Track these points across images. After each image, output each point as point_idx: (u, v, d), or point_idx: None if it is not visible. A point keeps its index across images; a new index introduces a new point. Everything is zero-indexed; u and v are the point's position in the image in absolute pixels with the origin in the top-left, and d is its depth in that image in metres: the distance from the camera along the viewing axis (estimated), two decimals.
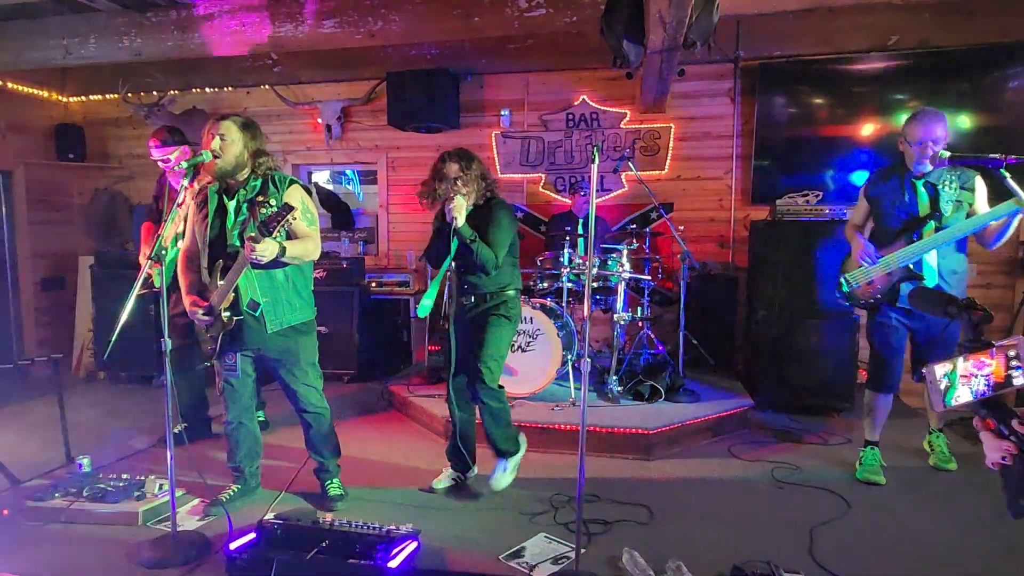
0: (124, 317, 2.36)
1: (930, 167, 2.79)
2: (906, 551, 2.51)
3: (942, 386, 1.12)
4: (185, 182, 2.43)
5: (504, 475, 2.97)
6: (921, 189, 2.84)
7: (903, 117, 4.81)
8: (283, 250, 2.49)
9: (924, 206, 2.83)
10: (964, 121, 4.63)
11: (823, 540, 2.56)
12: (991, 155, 2.09)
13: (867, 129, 4.79)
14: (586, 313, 2.14)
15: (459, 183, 2.84)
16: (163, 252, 2.30)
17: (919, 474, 3.23)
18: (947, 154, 2.11)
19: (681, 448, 3.61)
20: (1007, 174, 2.02)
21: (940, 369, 1.12)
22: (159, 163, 3.47)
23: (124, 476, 2.91)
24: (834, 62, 4.80)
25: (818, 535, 2.59)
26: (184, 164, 2.42)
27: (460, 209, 2.75)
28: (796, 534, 2.61)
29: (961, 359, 1.10)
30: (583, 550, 2.34)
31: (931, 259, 2.83)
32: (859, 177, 4.80)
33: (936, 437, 3.35)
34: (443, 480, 3.09)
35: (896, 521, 2.73)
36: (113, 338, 2.28)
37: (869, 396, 3.21)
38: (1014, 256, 4.61)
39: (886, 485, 3.07)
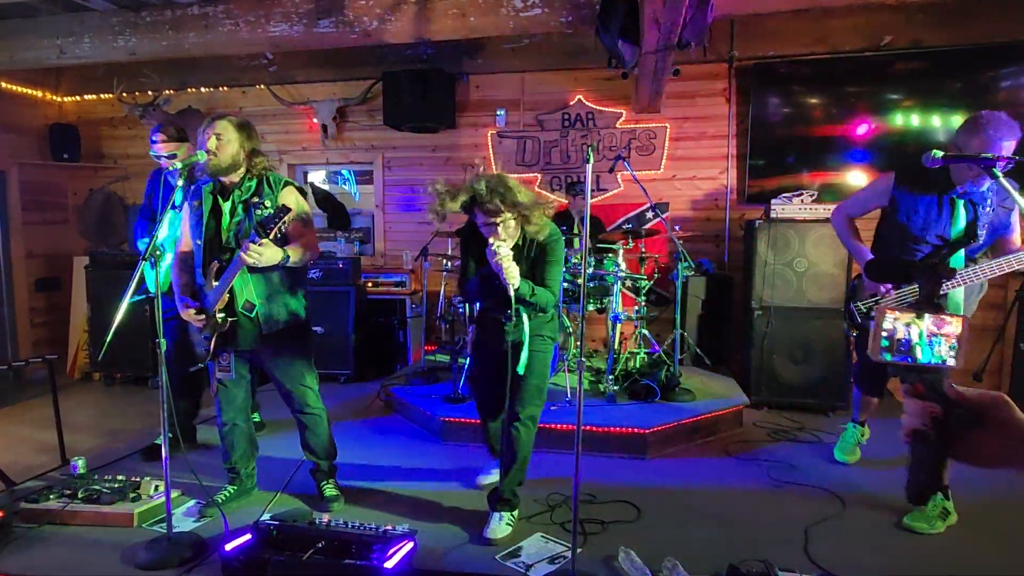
0: (119, 318, 2.35)
1: (985, 186, 2.43)
2: (901, 548, 2.52)
3: (887, 334, 1.11)
4: (181, 182, 2.42)
5: (501, 525, 2.62)
6: (960, 210, 2.51)
7: (897, 117, 4.95)
8: (287, 257, 2.51)
9: (959, 231, 2.53)
10: (957, 121, 4.64)
11: (819, 538, 2.57)
12: (983, 155, 2.09)
13: (861, 129, 4.80)
14: (582, 312, 2.14)
15: (500, 229, 2.41)
16: (158, 252, 2.29)
17: None
18: (940, 153, 2.10)
19: (677, 447, 3.62)
20: (1000, 174, 2.03)
21: (894, 318, 1.09)
22: (164, 160, 3.29)
23: (119, 477, 2.90)
24: (828, 62, 4.81)
25: (813, 534, 2.60)
26: (179, 164, 2.41)
27: (513, 275, 2.34)
28: (792, 533, 2.62)
29: (927, 316, 1.08)
30: (579, 550, 2.35)
31: (957, 292, 2.57)
32: (854, 177, 4.81)
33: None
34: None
35: (891, 518, 2.74)
36: (108, 338, 2.27)
37: (855, 389, 3.30)
38: None
39: (881, 482, 3.09)
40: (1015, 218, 2.54)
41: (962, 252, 2.54)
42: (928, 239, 2.59)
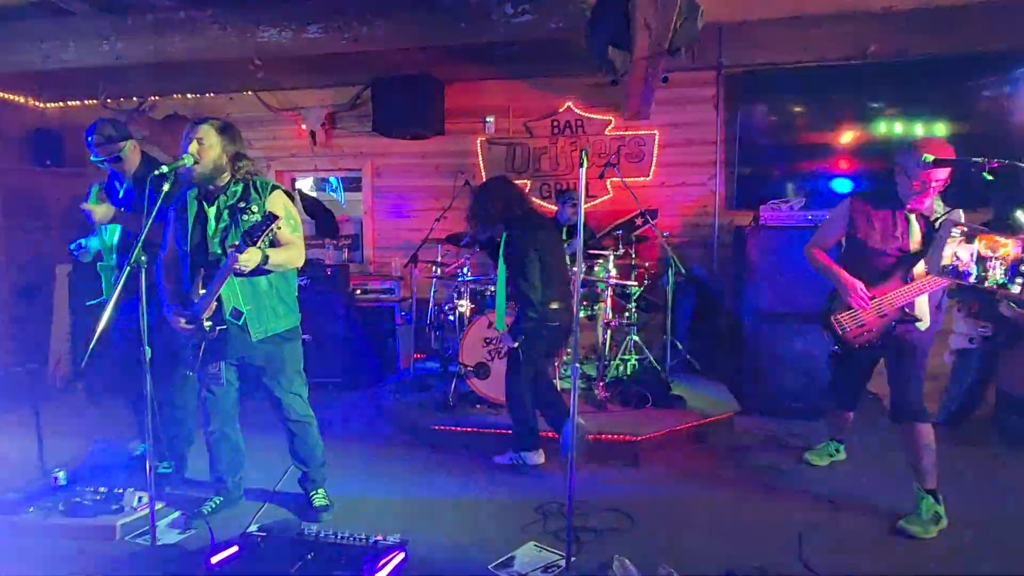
0: (103, 324, 2.29)
1: (927, 204, 2.58)
2: (896, 552, 2.52)
3: (949, 255, 1.10)
4: (166, 187, 2.37)
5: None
6: (914, 223, 2.64)
7: (882, 125, 5.01)
8: (266, 258, 2.46)
9: (916, 242, 2.63)
10: (940, 129, 4.71)
11: (813, 544, 2.55)
12: (974, 159, 2.11)
13: (847, 137, 4.85)
14: (575, 318, 2.12)
15: None
16: (143, 258, 2.24)
17: (904, 475, 3.24)
18: (931, 158, 2.12)
19: (669, 454, 3.60)
20: (990, 177, 2.05)
21: (957, 241, 1.09)
22: (106, 164, 3.10)
23: (102, 489, 2.83)
24: (814, 70, 4.86)
25: (808, 539, 2.59)
26: (165, 168, 2.37)
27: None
28: (786, 539, 2.60)
29: (983, 239, 1.08)
30: (573, 558, 2.32)
31: (923, 300, 2.66)
32: (840, 184, 4.85)
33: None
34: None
35: (885, 522, 2.73)
36: (91, 346, 2.22)
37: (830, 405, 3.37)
38: None
39: (872, 488, 3.09)
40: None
41: (927, 308, 2.64)
42: (888, 251, 2.69)
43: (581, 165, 1.91)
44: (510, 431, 3.42)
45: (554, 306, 3.18)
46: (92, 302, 3.30)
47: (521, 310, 3.17)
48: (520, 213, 3.27)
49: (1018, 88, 4.52)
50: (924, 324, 2.65)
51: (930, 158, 2.11)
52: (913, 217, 2.66)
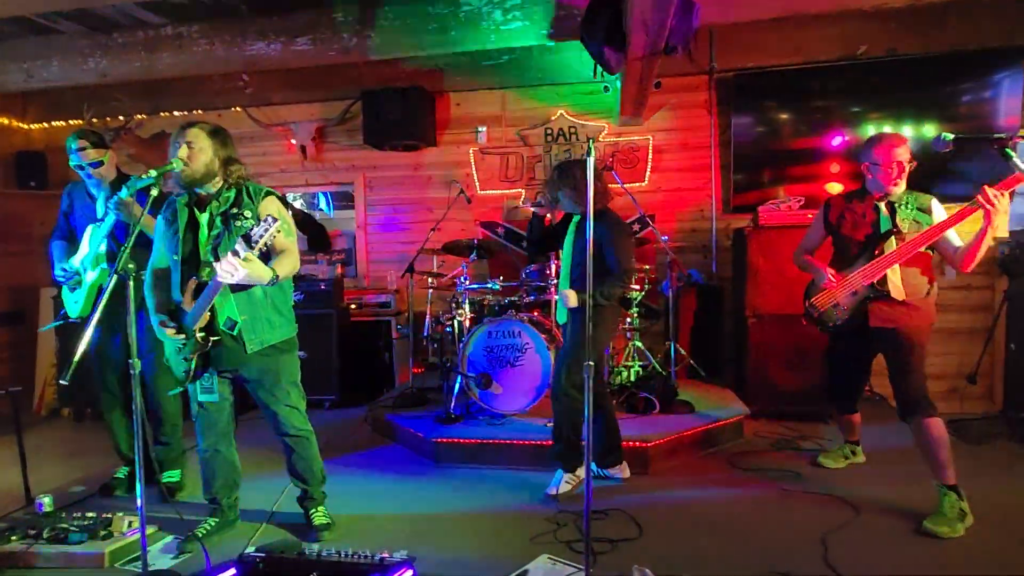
0: (84, 342, 2.17)
1: (893, 190, 2.75)
2: (923, 552, 2.43)
3: None
4: (155, 192, 2.28)
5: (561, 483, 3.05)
6: (883, 209, 2.79)
7: (870, 128, 5.01)
8: (276, 277, 2.35)
9: (886, 223, 2.78)
10: (930, 130, 4.70)
11: (837, 546, 2.46)
12: (996, 135, 2.07)
13: (837, 140, 4.84)
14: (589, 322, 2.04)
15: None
16: (129, 268, 2.14)
17: (924, 471, 3.16)
18: (951, 136, 2.10)
19: (680, 460, 3.50)
20: (1013, 153, 2.01)
21: None
22: (90, 169, 3.08)
23: (89, 515, 2.69)
24: (806, 72, 4.86)
25: (831, 541, 2.50)
26: (153, 173, 2.27)
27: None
28: (808, 541, 2.51)
29: None
30: (591, 570, 2.20)
31: (894, 274, 2.75)
32: (833, 187, 4.81)
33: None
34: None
35: (907, 523, 2.65)
36: (75, 359, 2.10)
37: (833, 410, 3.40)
38: (992, 256, 4.66)
39: (891, 487, 3.01)
40: (937, 218, 2.71)
41: (899, 283, 2.74)
42: (857, 237, 2.86)
43: (588, 154, 1.84)
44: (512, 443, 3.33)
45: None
46: (53, 324, 3.22)
47: (604, 281, 2.93)
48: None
49: (1000, 90, 4.55)
50: (899, 295, 2.73)
51: (949, 136, 2.08)
52: (882, 205, 2.80)
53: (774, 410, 4.22)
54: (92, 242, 3.08)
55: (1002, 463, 3.42)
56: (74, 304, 3.17)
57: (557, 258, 3.99)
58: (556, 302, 3.52)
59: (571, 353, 3.02)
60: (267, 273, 2.31)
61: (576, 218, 3.19)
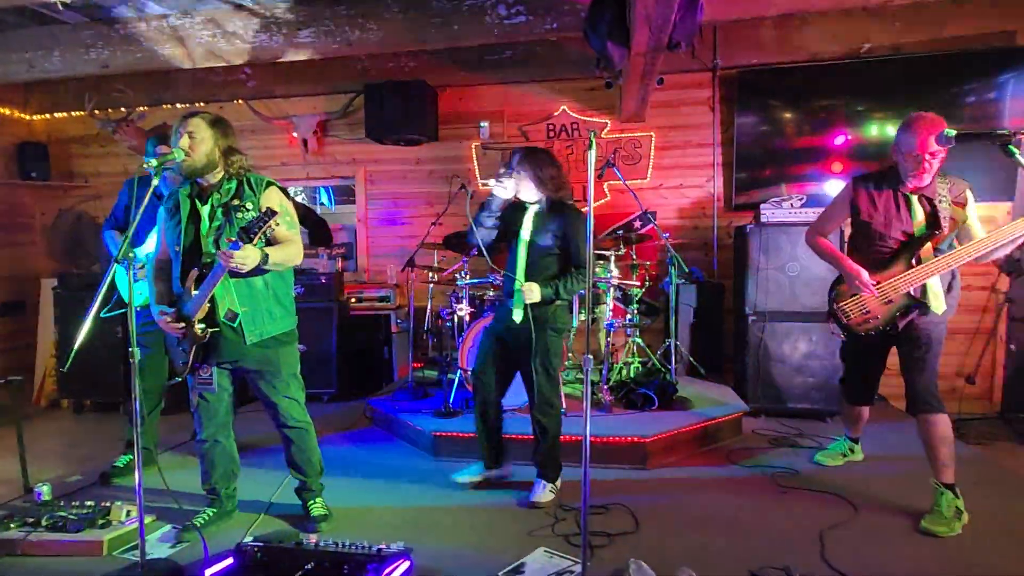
0: (85, 329, 2.17)
1: (927, 181, 2.52)
2: (922, 550, 2.43)
3: None
4: (156, 181, 2.28)
5: (545, 492, 2.92)
6: (916, 204, 2.58)
7: (872, 127, 4.99)
8: (266, 257, 2.35)
9: (920, 224, 2.58)
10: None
11: (835, 543, 2.46)
12: (999, 130, 2.06)
13: (840, 139, 4.83)
14: (591, 318, 2.04)
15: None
16: (130, 255, 2.14)
17: (923, 471, 3.17)
18: (953, 132, 2.08)
19: (678, 456, 3.50)
20: (1016, 150, 2.00)
21: None
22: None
23: (88, 503, 2.69)
24: (809, 70, 4.85)
25: (828, 538, 2.50)
26: (154, 163, 2.27)
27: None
28: (807, 538, 2.51)
29: None
30: (588, 563, 2.21)
31: (934, 283, 2.57)
32: (832, 186, 4.80)
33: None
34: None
35: (906, 520, 2.65)
36: (75, 348, 2.10)
37: (843, 400, 3.27)
38: None
39: (890, 485, 3.01)
40: (971, 211, 2.57)
41: (939, 291, 2.57)
42: (892, 234, 2.64)
43: (590, 147, 1.84)
44: (511, 437, 3.31)
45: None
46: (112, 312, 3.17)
47: (566, 276, 2.84)
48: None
49: (1005, 91, 4.54)
50: (939, 307, 2.56)
51: (952, 132, 2.06)
52: (915, 199, 2.60)
53: (773, 408, 4.22)
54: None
55: (1000, 463, 3.42)
56: (138, 294, 3.09)
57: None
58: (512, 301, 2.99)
59: (551, 362, 2.87)
60: (258, 255, 2.30)
61: (534, 207, 2.92)
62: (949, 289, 2.64)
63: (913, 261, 2.58)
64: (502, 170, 2.88)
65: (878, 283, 2.64)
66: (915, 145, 2.47)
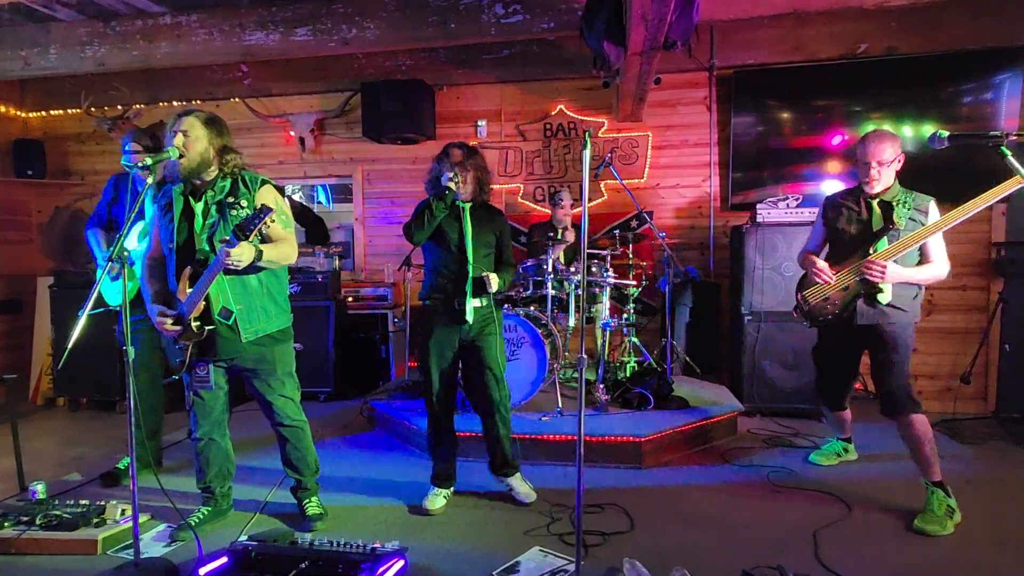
0: (78, 330, 2.16)
1: (878, 188, 2.76)
2: (913, 549, 2.44)
3: None
4: (150, 180, 2.28)
5: (523, 483, 2.98)
6: (875, 207, 2.79)
7: (870, 127, 4.99)
8: (260, 254, 2.36)
9: (878, 221, 2.77)
10: (930, 129, 4.69)
11: (828, 542, 2.47)
12: (992, 132, 2.07)
13: (837, 139, 4.84)
14: (589, 318, 2.04)
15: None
16: (124, 253, 2.14)
17: (915, 471, 3.18)
18: (946, 134, 2.10)
19: (673, 455, 3.51)
20: (1008, 152, 2.01)
21: None
22: (138, 171, 3.06)
23: (83, 502, 2.69)
24: (806, 70, 4.86)
25: (822, 538, 2.51)
26: (149, 161, 2.27)
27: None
28: (800, 537, 2.52)
29: None
30: (581, 563, 2.21)
31: (891, 277, 2.71)
32: (829, 186, 4.80)
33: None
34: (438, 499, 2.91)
35: (898, 520, 2.66)
36: (68, 346, 2.10)
37: (820, 406, 3.38)
38: (987, 258, 4.67)
39: (883, 485, 3.02)
40: (932, 219, 2.70)
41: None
42: (852, 232, 2.86)
43: (584, 146, 1.84)
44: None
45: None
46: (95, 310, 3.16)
47: (507, 270, 2.96)
48: None
49: (1001, 92, 4.55)
50: (885, 298, 2.71)
51: (944, 133, 2.08)
52: (875, 203, 2.80)
53: (768, 407, 4.23)
54: (140, 237, 3.05)
55: (994, 463, 3.43)
56: (115, 293, 3.18)
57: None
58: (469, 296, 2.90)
59: (500, 363, 2.93)
60: (251, 251, 2.31)
61: (468, 206, 2.87)
62: (914, 297, 2.78)
63: (870, 250, 2.73)
64: (456, 169, 2.80)
65: (836, 272, 2.82)
66: (864, 153, 2.74)
